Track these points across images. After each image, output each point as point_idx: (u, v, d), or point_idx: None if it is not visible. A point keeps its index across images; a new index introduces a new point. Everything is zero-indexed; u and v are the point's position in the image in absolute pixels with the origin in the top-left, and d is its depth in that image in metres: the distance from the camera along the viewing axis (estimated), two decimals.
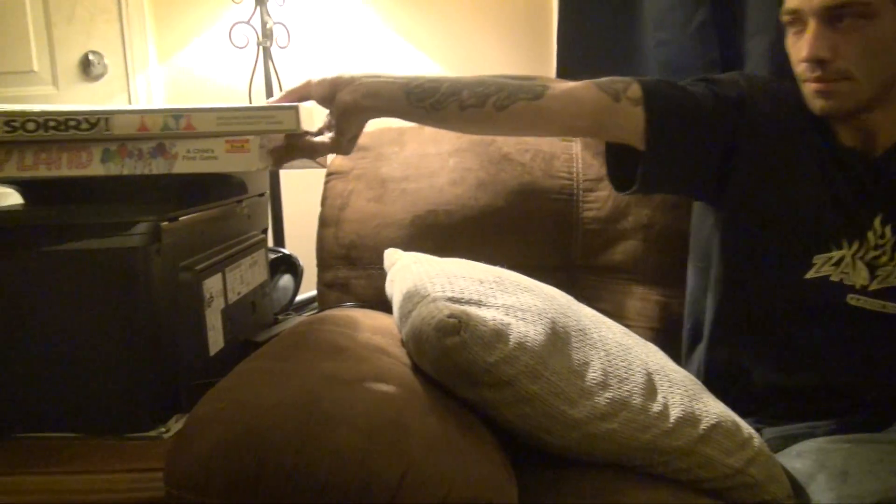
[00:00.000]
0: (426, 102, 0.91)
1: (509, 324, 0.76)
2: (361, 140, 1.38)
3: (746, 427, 0.82)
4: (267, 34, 1.66)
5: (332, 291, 1.28)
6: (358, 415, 0.64)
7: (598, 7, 1.50)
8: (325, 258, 1.29)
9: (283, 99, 0.91)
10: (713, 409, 0.81)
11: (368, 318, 1.00)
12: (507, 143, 1.35)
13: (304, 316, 1.32)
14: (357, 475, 0.60)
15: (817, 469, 0.81)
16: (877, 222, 0.96)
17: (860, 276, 0.95)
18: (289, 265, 1.42)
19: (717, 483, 0.78)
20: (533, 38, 1.63)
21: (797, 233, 0.96)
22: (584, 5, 1.50)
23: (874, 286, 0.95)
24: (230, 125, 0.82)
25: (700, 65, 1.30)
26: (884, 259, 0.96)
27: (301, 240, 1.43)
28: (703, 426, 0.77)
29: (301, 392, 0.68)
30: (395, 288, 0.94)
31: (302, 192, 1.59)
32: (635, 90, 0.97)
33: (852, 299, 0.95)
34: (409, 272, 0.92)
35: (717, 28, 1.29)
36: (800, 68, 0.95)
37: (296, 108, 0.85)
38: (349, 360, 0.77)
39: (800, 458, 0.85)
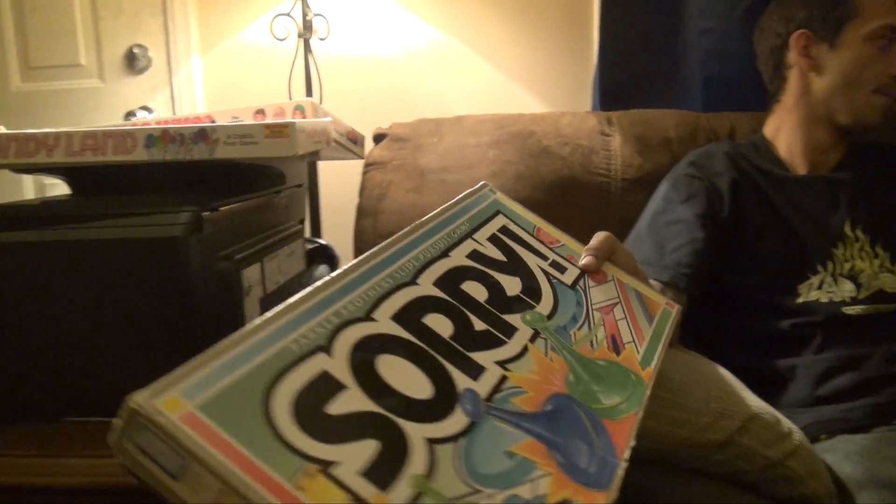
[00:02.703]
0: None
1: None
2: (400, 131, 1.39)
3: (787, 421, 0.80)
4: (307, 26, 1.67)
5: None
6: None
7: (640, 0, 1.48)
8: (362, 249, 1.30)
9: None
10: (752, 402, 0.79)
11: None
12: (547, 136, 1.33)
13: None
14: None
15: (868, 478, 0.79)
16: (847, 229, 1.05)
17: (845, 291, 1.01)
18: (326, 255, 1.43)
19: (755, 476, 0.76)
20: (572, 30, 1.61)
21: (779, 268, 1.04)
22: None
23: (862, 294, 1.00)
24: None
25: (746, 51, 1.26)
26: (862, 265, 1.03)
27: (338, 230, 1.43)
28: (739, 419, 0.76)
29: None
30: None
31: (340, 182, 1.60)
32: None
33: (847, 310, 0.99)
34: None
35: (764, 14, 1.26)
36: (884, 80, 1.06)
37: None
38: None
39: (849, 462, 0.83)
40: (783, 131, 1.17)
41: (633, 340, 0.62)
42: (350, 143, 1.37)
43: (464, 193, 0.72)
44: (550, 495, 0.41)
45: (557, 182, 1.29)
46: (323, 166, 1.77)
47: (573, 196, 1.28)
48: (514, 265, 0.63)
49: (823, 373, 0.96)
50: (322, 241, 1.49)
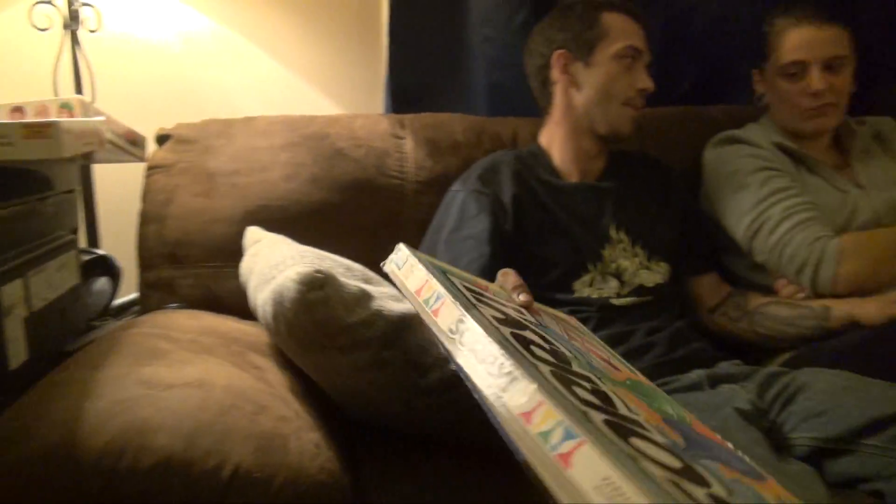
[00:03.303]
0: None
1: (372, 294, 0.79)
2: (185, 132, 1.32)
3: None
4: (74, 16, 1.52)
5: (156, 293, 1.20)
6: (179, 420, 0.61)
7: (426, 5, 1.52)
8: (147, 257, 1.22)
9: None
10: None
11: (194, 319, 0.95)
12: (341, 138, 1.34)
13: (124, 321, 1.24)
14: (181, 481, 0.57)
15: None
16: (612, 231, 1.20)
17: (611, 288, 1.16)
18: (105, 267, 1.32)
19: None
20: (363, 31, 1.62)
21: (557, 268, 1.16)
22: (414, 3, 1.52)
23: (625, 290, 1.16)
24: None
25: (521, 61, 1.36)
26: (625, 264, 1.18)
27: (119, 239, 1.33)
28: None
29: (117, 400, 0.63)
30: (259, 261, 0.91)
31: (119, 187, 1.48)
32: None
33: (615, 301, 1.15)
34: (278, 248, 0.91)
35: None
36: (631, 94, 1.21)
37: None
38: (170, 364, 0.73)
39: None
40: (555, 142, 1.29)
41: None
42: (129, 145, 1.28)
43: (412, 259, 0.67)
44: (768, 497, 0.49)
45: (352, 184, 1.30)
46: (100, 170, 1.62)
47: (368, 198, 1.30)
48: (515, 321, 0.60)
49: None
50: (100, 252, 1.37)
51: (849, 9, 1.32)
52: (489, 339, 0.50)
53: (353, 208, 1.29)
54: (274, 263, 0.83)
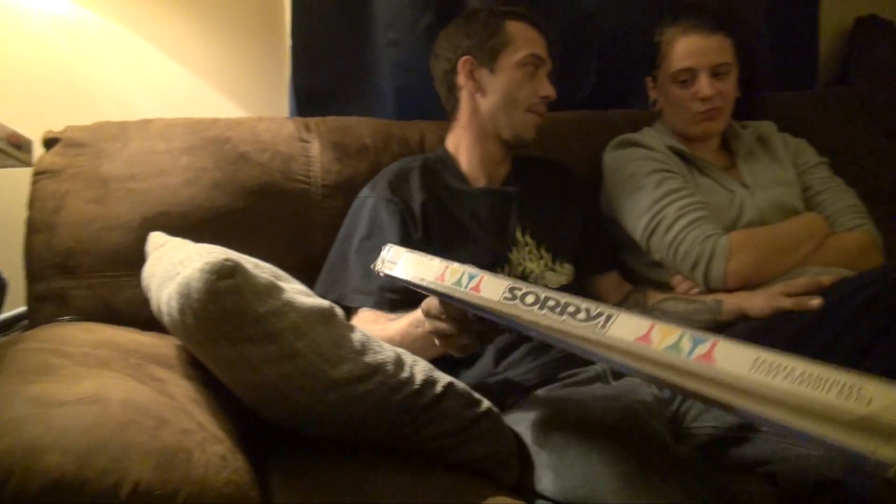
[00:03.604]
0: None
1: (282, 287, 0.78)
2: (76, 135, 1.25)
3: (475, 393, 0.91)
4: None
5: (46, 305, 1.14)
6: (72, 438, 0.58)
7: (330, 7, 1.51)
8: (35, 268, 1.15)
9: None
10: (447, 376, 0.89)
11: (88, 332, 0.91)
12: (245, 142, 1.31)
13: (10, 336, 1.16)
14: (74, 503, 0.54)
15: (543, 443, 0.91)
16: (518, 234, 1.23)
17: None
18: None
19: (457, 436, 0.86)
20: (266, 32, 1.58)
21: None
22: (317, 5, 1.50)
23: None
24: None
25: (427, 65, 1.38)
26: (532, 266, 1.22)
27: (3, 249, 1.24)
28: (441, 385, 0.86)
29: (1, 420, 0.59)
30: (163, 262, 0.87)
31: (2, 194, 1.39)
32: None
33: None
34: (184, 247, 0.88)
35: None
36: (534, 100, 1.25)
37: None
38: (61, 380, 0.69)
39: (529, 431, 0.95)
40: (462, 147, 1.31)
41: None
42: (12, 149, 1.20)
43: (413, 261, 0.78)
44: None
45: (257, 189, 1.27)
46: None
47: (274, 203, 1.28)
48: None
49: (504, 348, 1.12)
50: None
51: (729, 20, 1.40)
52: (561, 294, 0.59)
53: (258, 214, 1.26)
54: (178, 260, 0.80)
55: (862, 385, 0.41)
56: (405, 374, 0.83)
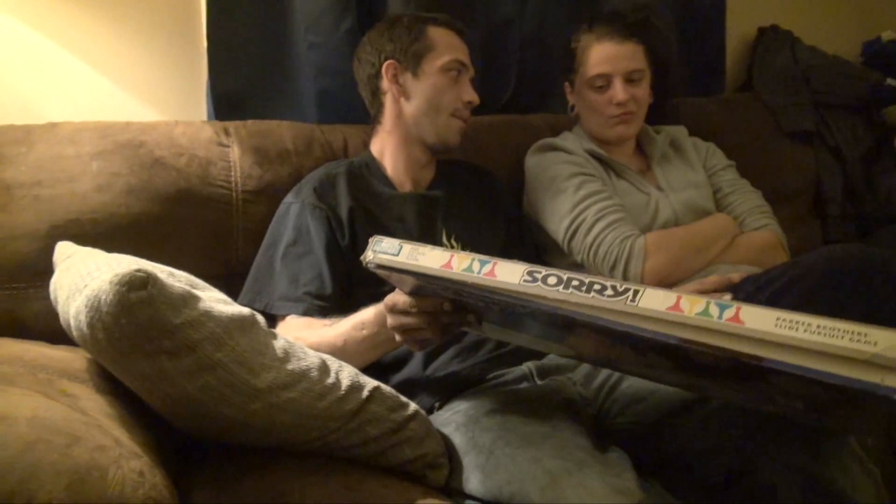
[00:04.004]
0: None
1: (199, 296, 0.75)
2: None
3: (402, 396, 0.91)
4: None
5: None
6: None
7: (247, 8, 1.48)
8: None
9: None
10: (374, 381, 0.89)
11: None
12: (160, 146, 1.27)
13: None
14: None
15: (470, 446, 0.92)
16: (444, 239, 1.24)
17: None
18: None
19: (384, 441, 0.85)
20: (181, 33, 1.53)
21: None
22: (233, 5, 1.47)
23: None
24: None
25: (349, 68, 1.37)
26: None
27: None
28: (367, 390, 0.85)
29: None
30: (71, 274, 0.83)
31: None
32: None
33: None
34: (93, 258, 0.84)
35: (364, 34, 1.37)
36: (458, 105, 1.27)
37: None
38: None
39: (458, 433, 0.95)
40: (387, 151, 1.31)
41: None
42: None
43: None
44: None
45: (174, 195, 1.23)
46: None
47: (192, 209, 1.24)
48: None
49: (433, 351, 1.12)
50: None
51: (642, 28, 1.46)
52: (582, 274, 0.64)
53: (176, 220, 1.22)
54: (87, 272, 0.76)
55: (868, 332, 0.51)
56: (330, 380, 0.82)
